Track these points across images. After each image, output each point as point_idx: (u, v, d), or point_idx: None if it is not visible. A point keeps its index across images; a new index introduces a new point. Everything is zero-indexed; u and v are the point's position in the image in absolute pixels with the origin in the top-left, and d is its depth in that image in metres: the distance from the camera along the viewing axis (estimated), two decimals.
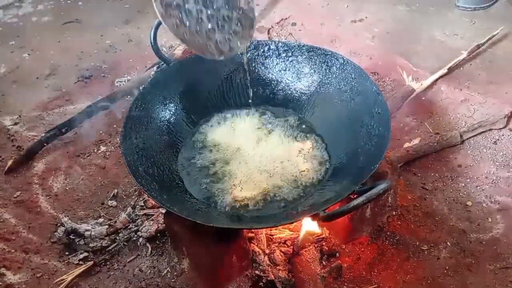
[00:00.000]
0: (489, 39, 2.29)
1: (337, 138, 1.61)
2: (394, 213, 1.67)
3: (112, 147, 2.09)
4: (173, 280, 1.52)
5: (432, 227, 1.67)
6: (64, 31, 2.81)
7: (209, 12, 1.42)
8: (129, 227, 1.71)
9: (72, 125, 2.10)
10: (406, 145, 1.95)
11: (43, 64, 2.56)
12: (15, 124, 2.18)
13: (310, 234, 1.55)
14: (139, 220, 1.72)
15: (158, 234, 1.66)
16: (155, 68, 2.33)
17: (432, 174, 1.88)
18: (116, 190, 1.88)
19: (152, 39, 1.62)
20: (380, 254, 1.58)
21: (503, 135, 1.94)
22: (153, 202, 1.75)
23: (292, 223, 1.61)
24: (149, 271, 1.56)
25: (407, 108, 2.13)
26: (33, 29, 2.86)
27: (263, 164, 1.56)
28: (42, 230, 1.72)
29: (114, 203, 1.84)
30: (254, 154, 1.60)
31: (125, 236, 1.67)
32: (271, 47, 1.78)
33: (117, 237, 1.67)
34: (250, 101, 1.75)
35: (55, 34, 2.79)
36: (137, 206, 1.78)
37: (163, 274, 1.55)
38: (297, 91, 1.78)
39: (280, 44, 1.77)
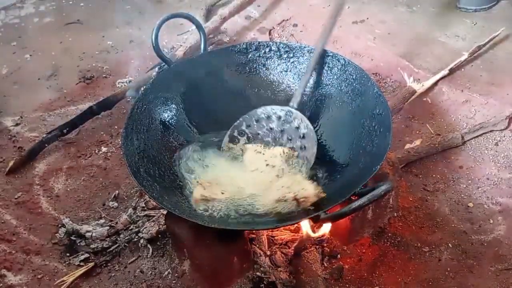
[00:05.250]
0: (490, 40, 2.28)
1: (338, 139, 1.61)
2: (395, 214, 1.67)
3: (113, 148, 2.09)
4: (174, 282, 1.52)
5: (434, 229, 1.67)
6: (65, 32, 2.81)
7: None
8: (130, 228, 1.70)
9: (73, 126, 2.10)
10: (407, 146, 1.95)
11: (44, 65, 2.56)
12: (17, 125, 2.18)
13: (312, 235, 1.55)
14: (140, 221, 1.72)
15: (159, 236, 1.66)
16: (156, 69, 2.33)
17: (434, 176, 1.87)
18: (117, 191, 1.88)
19: (153, 40, 1.62)
20: (381, 255, 1.58)
21: (504, 136, 1.93)
22: (154, 203, 1.75)
23: (293, 224, 1.61)
24: (150, 273, 1.56)
25: (408, 109, 2.13)
26: (34, 30, 2.86)
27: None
28: (43, 231, 1.72)
29: (115, 204, 1.84)
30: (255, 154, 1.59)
31: (126, 237, 1.67)
32: (273, 48, 1.77)
33: (118, 238, 1.67)
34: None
35: (57, 35, 2.79)
36: (138, 207, 1.77)
37: (164, 275, 1.54)
38: None
39: (281, 45, 1.77)
